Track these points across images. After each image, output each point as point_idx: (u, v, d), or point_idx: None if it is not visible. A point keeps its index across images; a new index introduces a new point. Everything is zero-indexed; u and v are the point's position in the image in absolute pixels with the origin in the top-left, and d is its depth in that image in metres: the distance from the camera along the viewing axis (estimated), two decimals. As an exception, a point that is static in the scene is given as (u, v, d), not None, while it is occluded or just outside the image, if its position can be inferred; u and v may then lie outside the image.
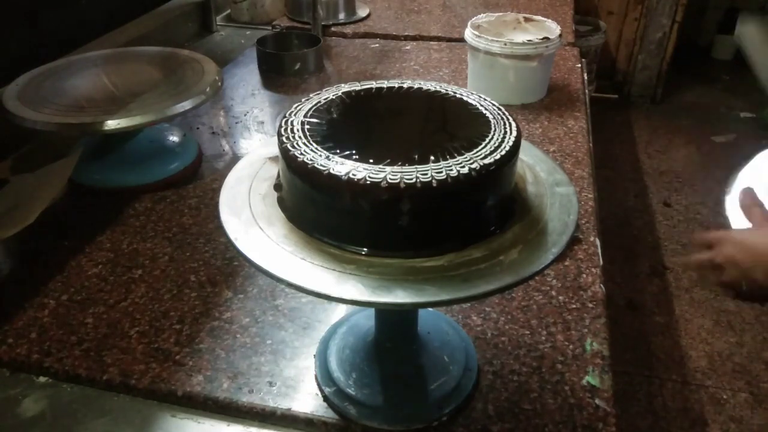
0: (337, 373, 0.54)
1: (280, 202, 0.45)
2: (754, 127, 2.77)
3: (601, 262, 0.70)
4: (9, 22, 0.94)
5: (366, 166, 0.39)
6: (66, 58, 0.92)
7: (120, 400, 0.55)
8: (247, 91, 1.16)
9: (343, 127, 0.46)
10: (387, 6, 1.63)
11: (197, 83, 0.84)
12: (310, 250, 0.41)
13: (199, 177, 0.87)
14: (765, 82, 2.28)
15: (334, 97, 0.48)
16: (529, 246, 0.42)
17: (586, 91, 1.15)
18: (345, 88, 0.49)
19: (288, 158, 0.41)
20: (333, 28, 1.46)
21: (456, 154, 0.40)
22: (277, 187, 0.47)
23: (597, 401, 0.54)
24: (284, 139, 0.43)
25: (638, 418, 1.46)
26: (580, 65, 1.25)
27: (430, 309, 0.61)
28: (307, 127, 0.44)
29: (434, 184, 0.38)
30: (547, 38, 1.03)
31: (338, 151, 0.41)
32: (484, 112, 0.46)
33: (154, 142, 0.88)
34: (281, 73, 1.22)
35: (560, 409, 0.53)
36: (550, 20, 1.11)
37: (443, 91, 0.49)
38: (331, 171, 0.39)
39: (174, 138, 0.91)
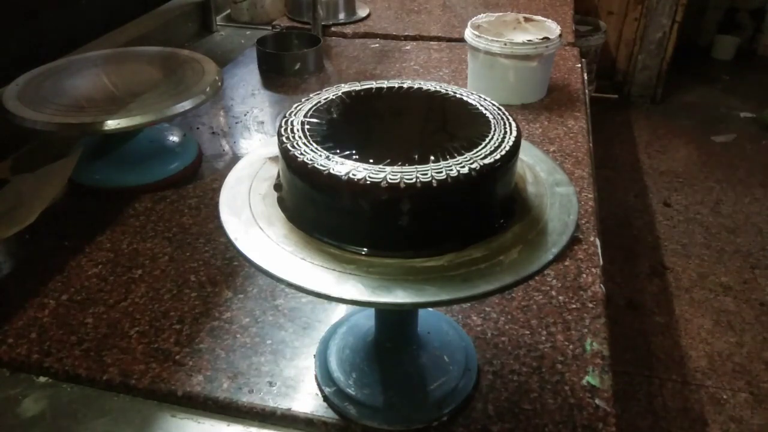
0: (337, 373, 0.54)
1: (280, 202, 0.45)
2: (754, 127, 2.77)
3: (601, 262, 0.70)
4: (9, 22, 0.94)
5: (366, 166, 0.39)
6: (66, 58, 0.92)
7: (120, 400, 0.55)
8: (247, 91, 1.16)
9: (343, 127, 0.46)
10: (387, 6, 1.63)
11: (197, 83, 0.84)
12: (310, 250, 0.41)
13: (199, 177, 0.87)
14: None
15: (334, 97, 0.48)
16: (529, 246, 0.42)
17: (586, 91, 1.15)
18: (345, 88, 0.49)
19: (288, 158, 0.41)
20: (333, 28, 1.46)
21: (456, 154, 0.40)
22: (277, 187, 0.47)
23: (597, 401, 0.54)
24: (284, 139, 0.43)
25: (638, 418, 1.46)
26: (580, 65, 1.25)
27: (430, 309, 0.61)
28: (307, 127, 0.44)
29: (434, 184, 0.38)
30: (547, 38, 1.03)
31: (338, 151, 0.41)
32: (484, 112, 0.46)
33: (154, 142, 0.88)
34: (281, 73, 1.22)
35: (560, 409, 0.53)
36: (550, 20, 1.11)
37: (443, 91, 0.49)
38: (331, 171, 0.39)
39: (174, 138, 0.91)
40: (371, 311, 0.56)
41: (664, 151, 2.59)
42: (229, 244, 0.42)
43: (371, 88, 0.50)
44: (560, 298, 0.65)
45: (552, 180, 0.48)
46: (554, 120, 1.02)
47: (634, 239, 2.06)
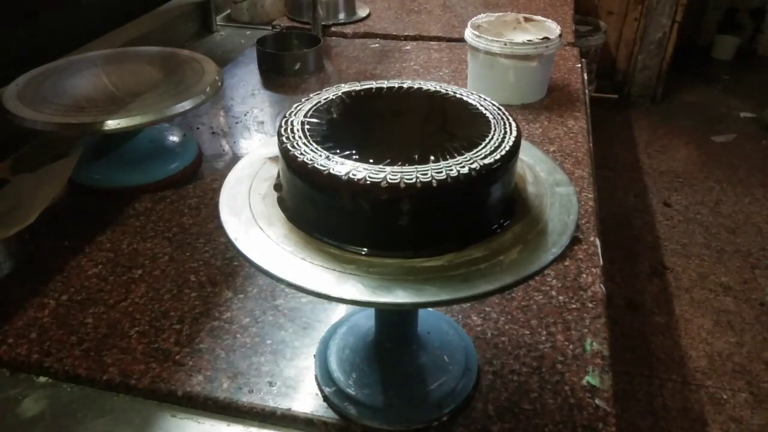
0: (337, 373, 0.54)
1: (280, 202, 0.45)
2: (754, 127, 2.77)
3: (601, 262, 0.70)
4: (9, 22, 0.94)
5: (366, 166, 0.39)
6: (66, 58, 0.92)
7: (120, 400, 0.55)
8: (247, 91, 1.16)
9: (343, 127, 0.46)
10: (387, 6, 1.63)
11: (197, 83, 0.84)
12: (310, 250, 0.41)
13: (199, 177, 0.87)
14: None
15: (334, 97, 0.48)
16: (529, 246, 0.42)
17: (586, 91, 1.15)
18: (345, 88, 0.49)
19: (288, 158, 0.41)
20: (333, 28, 1.46)
21: (456, 154, 0.40)
22: (277, 187, 0.47)
23: (597, 401, 0.54)
24: (284, 139, 0.43)
25: (638, 418, 1.46)
26: (580, 65, 1.25)
27: (430, 309, 0.61)
28: (307, 127, 0.44)
29: (434, 184, 0.38)
30: (547, 38, 1.03)
31: (338, 151, 0.41)
32: (484, 112, 0.46)
33: (154, 142, 0.88)
34: (281, 73, 1.22)
35: (560, 409, 0.53)
36: (550, 20, 1.11)
37: (443, 91, 0.49)
38: (331, 171, 0.39)
39: (174, 138, 0.91)
40: (371, 311, 0.56)
41: (664, 151, 2.59)
42: (229, 244, 0.42)
43: (371, 88, 0.50)
44: (560, 298, 0.65)
45: (552, 180, 0.48)
46: (554, 120, 1.02)
47: (634, 239, 2.06)
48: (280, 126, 0.44)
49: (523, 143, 0.46)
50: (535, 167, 0.50)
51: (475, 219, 0.42)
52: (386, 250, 0.41)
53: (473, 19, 1.11)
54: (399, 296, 0.38)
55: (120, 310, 0.63)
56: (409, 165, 0.39)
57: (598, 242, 0.73)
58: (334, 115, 0.46)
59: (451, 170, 0.39)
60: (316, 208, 0.42)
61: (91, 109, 0.78)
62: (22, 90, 0.80)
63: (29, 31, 0.98)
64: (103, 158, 0.85)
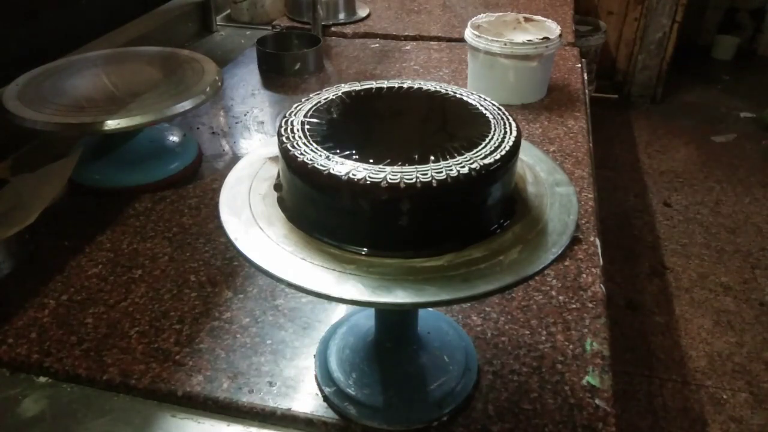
0: (337, 373, 0.54)
1: (280, 202, 0.45)
2: (754, 127, 2.77)
3: (601, 262, 0.70)
4: (9, 22, 0.94)
5: (366, 166, 0.39)
6: (66, 58, 0.92)
7: (120, 400, 0.55)
8: (247, 91, 1.16)
9: (343, 127, 0.46)
10: (387, 6, 1.63)
11: (197, 83, 0.84)
12: (310, 250, 0.41)
13: (199, 177, 0.87)
14: None
15: (334, 97, 0.48)
16: (529, 246, 0.42)
17: (586, 91, 1.15)
18: (345, 88, 0.49)
19: (288, 158, 0.41)
20: (333, 28, 1.46)
21: (456, 154, 0.40)
22: (277, 187, 0.47)
23: (597, 401, 0.54)
24: (284, 139, 0.43)
25: (638, 418, 1.46)
26: (580, 65, 1.25)
27: (430, 309, 0.61)
28: (307, 127, 0.44)
29: (434, 184, 0.38)
30: (547, 38, 1.03)
31: (338, 151, 0.41)
32: (484, 112, 0.46)
33: (154, 142, 0.88)
34: (281, 73, 1.22)
35: (560, 409, 0.53)
36: (550, 20, 1.11)
37: (443, 91, 0.49)
38: (331, 171, 0.39)
39: (174, 138, 0.91)
40: (371, 311, 0.56)
41: (664, 151, 2.59)
42: (229, 244, 0.42)
43: (371, 88, 0.50)
44: (560, 298, 0.65)
45: (552, 180, 0.48)
46: (554, 120, 1.02)
47: (634, 239, 2.06)
48: (280, 126, 0.44)
49: (523, 143, 0.46)
50: (535, 167, 0.50)
51: (475, 219, 0.42)
52: (386, 250, 0.41)
53: (473, 19, 1.11)
54: (399, 296, 0.38)
55: (120, 310, 0.63)
56: (409, 165, 0.39)
57: (598, 242, 0.73)
58: (334, 115, 0.46)
59: (451, 170, 0.39)
60: (316, 208, 0.42)
61: (91, 109, 0.78)
62: (22, 90, 0.80)
63: (29, 31, 0.98)
64: (103, 158, 0.85)
